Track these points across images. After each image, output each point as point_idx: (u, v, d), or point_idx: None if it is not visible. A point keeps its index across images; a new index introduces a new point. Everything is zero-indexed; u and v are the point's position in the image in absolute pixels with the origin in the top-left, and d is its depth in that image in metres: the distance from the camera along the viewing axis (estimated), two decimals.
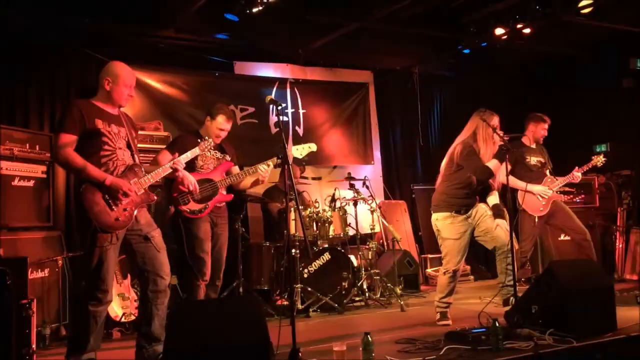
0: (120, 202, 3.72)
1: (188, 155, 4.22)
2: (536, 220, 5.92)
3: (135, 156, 3.95)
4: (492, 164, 4.67)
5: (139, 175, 3.85)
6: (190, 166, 4.65)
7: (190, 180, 4.55)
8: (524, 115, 6.30)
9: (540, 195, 5.88)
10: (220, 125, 4.88)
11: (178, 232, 4.65)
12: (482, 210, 4.88)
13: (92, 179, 3.65)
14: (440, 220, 4.90)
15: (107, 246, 3.69)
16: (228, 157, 4.98)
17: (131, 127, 4.01)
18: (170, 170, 4.06)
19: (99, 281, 3.69)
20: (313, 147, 5.02)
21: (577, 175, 6.03)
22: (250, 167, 4.83)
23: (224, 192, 4.85)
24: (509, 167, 5.58)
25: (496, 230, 4.81)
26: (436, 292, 5.00)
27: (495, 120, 4.85)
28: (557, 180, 5.99)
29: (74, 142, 3.67)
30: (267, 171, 4.80)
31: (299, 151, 4.93)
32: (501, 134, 4.73)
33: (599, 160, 6.08)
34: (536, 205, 5.91)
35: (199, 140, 4.43)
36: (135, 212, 3.83)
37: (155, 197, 4.06)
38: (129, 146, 3.92)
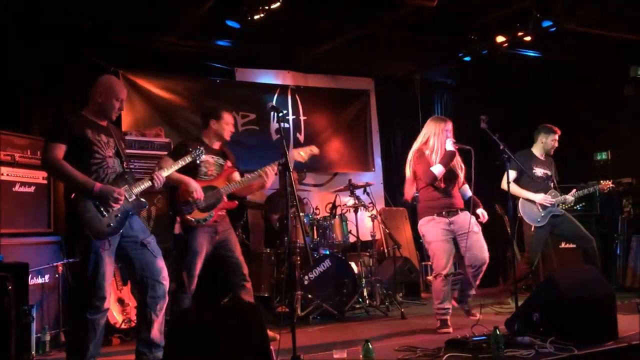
0: (111, 209, 3.73)
1: (179, 163, 4.21)
2: (532, 229, 5.88)
3: (125, 165, 3.97)
4: (436, 168, 4.88)
5: (129, 182, 3.87)
6: (194, 173, 4.64)
7: (195, 188, 4.53)
8: (524, 122, 6.30)
9: (542, 204, 5.85)
10: (228, 120, 4.87)
11: (179, 240, 4.62)
12: (465, 225, 4.91)
13: (81, 187, 3.67)
14: (424, 225, 4.99)
15: (102, 252, 3.69)
16: (230, 164, 4.96)
17: (119, 138, 4.05)
18: (150, 184, 3.98)
19: (96, 288, 3.69)
20: (315, 150, 5.01)
21: (574, 193, 5.95)
22: (253, 173, 4.80)
23: (227, 200, 4.83)
24: (514, 174, 5.61)
25: (475, 249, 4.89)
26: (432, 298, 5.01)
27: (449, 126, 5.02)
28: (560, 195, 5.94)
29: (63, 151, 3.70)
30: (271, 176, 4.78)
31: (302, 155, 4.91)
32: (453, 141, 4.95)
33: (607, 185, 6.07)
34: (534, 216, 5.88)
35: (190, 149, 4.39)
36: (128, 219, 3.83)
37: (147, 204, 4.05)
38: (118, 155, 3.94)
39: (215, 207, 4.68)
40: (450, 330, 4.76)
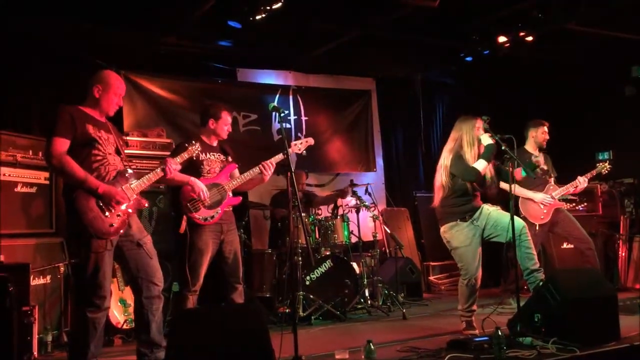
0: (113, 208, 3.70)
1: (177, 160, 4.16)
2: (537, 228, 5.86)
3: (124, 163, 3.94)
4: (479, 164, 4.70)
5: (129, 180, 3.83)
6: (197, 172, 4.63)
7: (201, 187, 4.53)
8: (525, 122, 6.29)
9: (542, 203, 5.84)
10: (227, 120, 4.85)
11: (184, 240, 4.55)
12: (485, 210, 4.85)
13: (86, 187, 3.61)
14: (448, 231, 4.86)
15: (102, 252, 3.66)
16: (230, 159, 4.96)
17: (118, 135, 4.01)
18: (162, 174, 3.96)
19: (97, 287, 3.67)
20: (310, 140, 5.00)
21: (582, 180, 5.86)
22: (253, 169, 4.78)
23: (231, 195, 4.82)
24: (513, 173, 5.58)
25: (505, 218, 4.70)
26: (458, 302, 4.87)
27: (479, 123, 4.84)
28: (559, 188, 5.94)
29: (67, 147, 3.64)
30: (270, 168, 4.76)
31: (297, 146, 4.90)
32: (490, 134, 4.73)
33: (603, 167, 5.98)
34: (537, 213, 5.87)
35: (187, 145, 4.32)
36: (128, 218, 3.81)
37: (147, 204, 4.04)
38: (117, 152, 3.90)
39: (220, 204, 4.68)
40: (477, 331, 4.66)
